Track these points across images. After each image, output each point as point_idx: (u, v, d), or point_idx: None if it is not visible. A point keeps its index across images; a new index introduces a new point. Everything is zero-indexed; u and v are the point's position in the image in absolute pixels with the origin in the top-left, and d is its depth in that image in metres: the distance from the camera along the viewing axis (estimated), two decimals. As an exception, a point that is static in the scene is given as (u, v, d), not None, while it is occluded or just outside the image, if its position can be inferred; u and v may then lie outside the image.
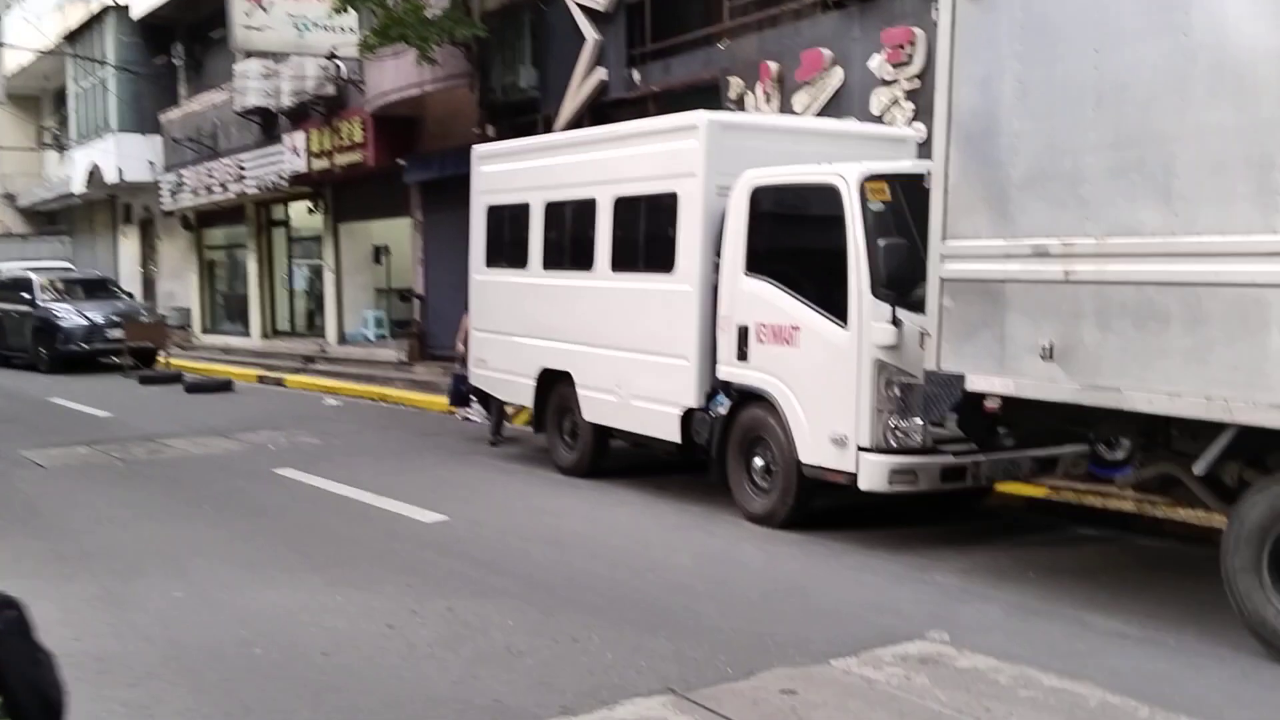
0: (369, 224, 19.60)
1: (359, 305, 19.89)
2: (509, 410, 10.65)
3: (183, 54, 23.93)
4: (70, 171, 27.92)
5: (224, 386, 16.88)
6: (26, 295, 21.58)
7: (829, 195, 6.72)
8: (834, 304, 6.67)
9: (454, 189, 16.51)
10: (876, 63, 9.48)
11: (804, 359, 6.88)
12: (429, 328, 17.25)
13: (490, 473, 9.61)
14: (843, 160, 6.90)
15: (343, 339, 19.77)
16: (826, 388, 6.70)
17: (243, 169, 20.71)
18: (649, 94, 11.71)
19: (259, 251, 22.37)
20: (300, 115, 18.90)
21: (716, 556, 6.79)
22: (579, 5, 12.32)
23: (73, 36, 26.29)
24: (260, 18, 15.91)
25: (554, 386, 9.16)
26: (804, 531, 7.07)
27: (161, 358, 21.52)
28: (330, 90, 17.86)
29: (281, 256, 22.26)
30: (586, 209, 8.63)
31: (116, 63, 23.78)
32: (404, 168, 16.91)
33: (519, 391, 9.67)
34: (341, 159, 17.72)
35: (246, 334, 22.68)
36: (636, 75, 11.87)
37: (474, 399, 10.72)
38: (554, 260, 9.15)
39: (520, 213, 9.49)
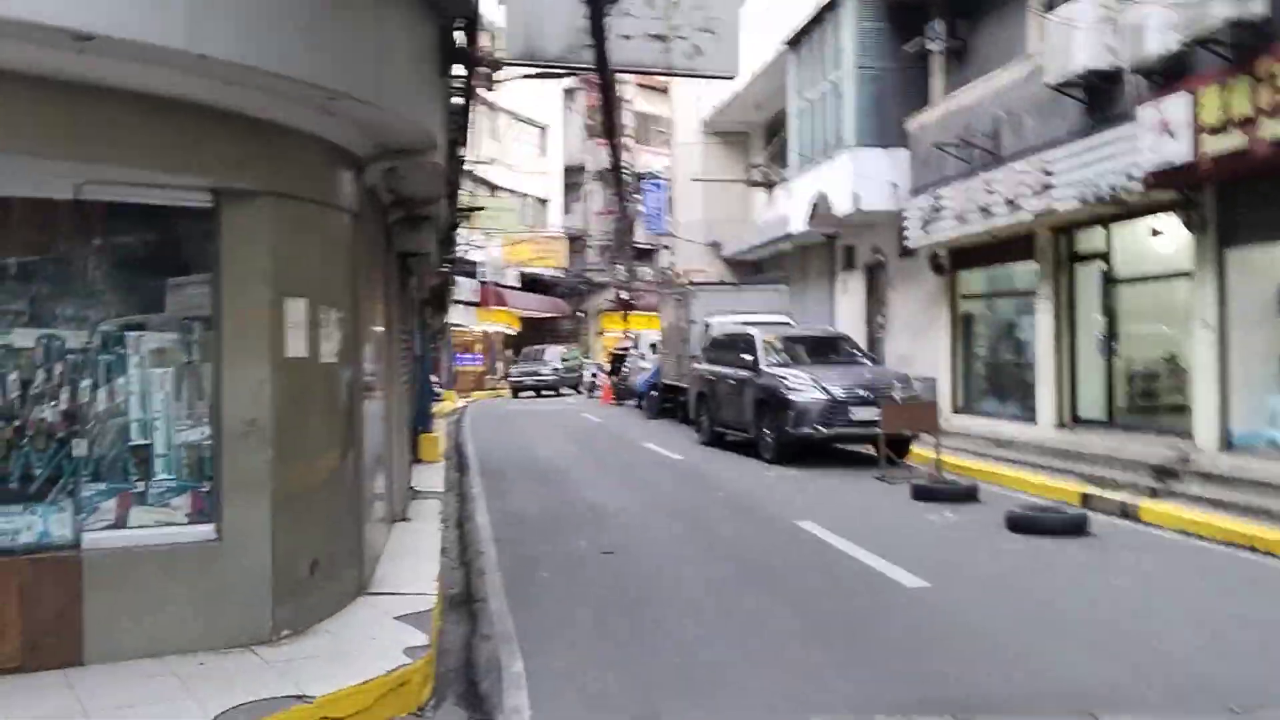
0: (1283, 247, 11.43)
1: (1259, 387, 11.73)
2: None
3: (943, 34, 17.76)
4: (786, 209, 23.48)
5: (1073, 526, 9.86)
6: (747, 358, 16.75)
7: None
8: None
9: None
10: None
11: None
12: None
13: None
14: None
15: (1228, 443, 11.77)
16: None
17: (1049, 174, 13.77)
18: None
19: (1056, 300, 15.20)
20: (1175, 72, 11.46)
21: None
22: None
23: (797, 39, 21.76)
24: None
25: None
26: None
27: (915, 449, 15.44)
28: (1256, 10, 10.18)
29: (1091, 308, 14.86)
30: None
31: (856, 58, 18.47)
32: None
33: None
34: (1270, 129, 9.92)
35: (1029, 420, 15.60)
36: None
37: None
38: None
39: None
